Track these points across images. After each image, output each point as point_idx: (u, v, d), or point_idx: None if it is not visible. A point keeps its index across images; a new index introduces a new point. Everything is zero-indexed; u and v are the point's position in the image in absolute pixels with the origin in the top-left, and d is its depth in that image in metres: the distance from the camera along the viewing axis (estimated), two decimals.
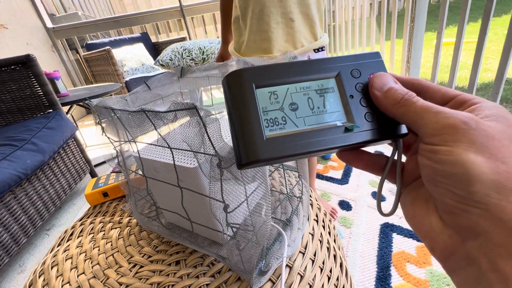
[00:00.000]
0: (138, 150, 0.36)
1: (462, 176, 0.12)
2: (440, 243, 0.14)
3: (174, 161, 0.31)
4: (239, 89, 0.17)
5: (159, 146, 0.34)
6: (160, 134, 0.29)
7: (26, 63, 1.14)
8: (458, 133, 0.13)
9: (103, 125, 0.37)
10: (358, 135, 0.17)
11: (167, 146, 0.30)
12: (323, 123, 0.17)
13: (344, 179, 1.13)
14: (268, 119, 0.17)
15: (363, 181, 1.10)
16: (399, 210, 0.80)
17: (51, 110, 1.23)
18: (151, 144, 0.35)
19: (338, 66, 0.18)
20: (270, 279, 0.32)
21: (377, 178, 1.10)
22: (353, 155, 0.19)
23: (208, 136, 0.25)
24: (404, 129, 0.17)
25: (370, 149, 0.21)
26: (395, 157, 0.19)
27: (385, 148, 1.24)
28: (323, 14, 0.71)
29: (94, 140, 2.01)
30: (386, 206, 0.95)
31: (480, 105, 0.15)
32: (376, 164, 0.20)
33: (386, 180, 0.20)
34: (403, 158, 0.19)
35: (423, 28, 1.57)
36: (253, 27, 0.68)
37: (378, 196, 0.20)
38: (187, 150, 0.28)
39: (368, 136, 0.17)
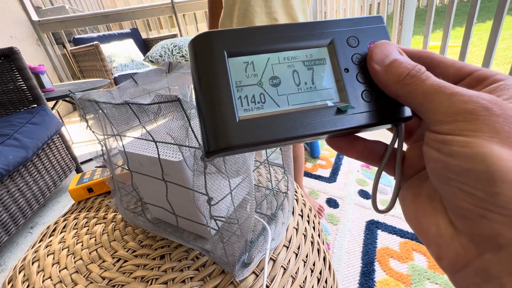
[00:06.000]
0: (123, 144, 0.35)
1: (482, 174, 0.10)
2: (449, 252, 0.12)
3: (159, 154, 0.31)
4: (207, 57, 0.13)
5: (144, 139, 0.34)
6: (144, 127, 0.29)
7: (9, 56, 1.10)
8: (477, 120, 0.10)
9: (88, 118, 0.37)
10: (352, 118, 0.14)
11: (152, 139, 0.30)
12: (310, 102, 0.14)
13: (332, 178, 1.15)
14: (243, 97, 0.14)
15: (350, 179, 1.12)
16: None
17: (36, 105, 1.19)
18: (136, 137, 0.35)
19: (331, 32, 0.15)
20: (253, 272, 0.33)
21: (364, 177, 1.13)
22: (346, 142, 0.16)
23: (191, 129, 0.25)
24: (408, 112, 0.15)
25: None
26: (395, 145, 0.16)
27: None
28: (308, 15, 0.73)
29: (81, 137, 1.96)
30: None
31: (504, 83, 0.12)
32: (373, 153, 0.17)
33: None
34: (404, 147, 0.16)
35: (410, 31, 1.61)
36: (239, 25, 0.69)
37: (373, 191, 0.17)
38: (172, 144, 0.28)
39: (364, 119, 0.14)
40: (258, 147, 0.14)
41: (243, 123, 0.13)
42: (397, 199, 0.16)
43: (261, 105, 0.14)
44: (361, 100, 0.14)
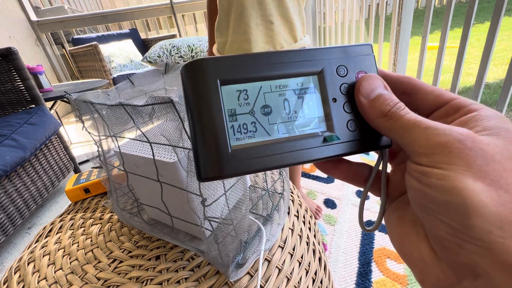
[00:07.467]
0: (118, 145, 0.35)
1: (458, 207, 0.10)
2: (431, 276, 0.12)
3: (153, 155, 0.31)
4: (200, 84, 0.13)
5: (139, 140, 0.34)
6: (139, 128, 0.29)
7: (7, 56, 1.10)
8: (451, 153, 0.11)
9: (84, 119, 0.37)
10: (337, 147, 0.15)
11: (147, 140, 0.30)
12: (299, 131, 0.15)
13: (330, 178, 1.15)
14: (235, 126, 0.14)
15: None
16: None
17: (34, 106, 1.19)
18: (131, 139, 0.35)
19: (322, 60, 0.15)
20: (248, 272, 0.33)
21: None
22: (331, 164, 0.17)
23: (185, 130, 0.25)
24: (387, 141, 0.16)
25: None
26: (380, 167, 0.17)
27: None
28: (304, 16, 0.73)
29: (79, 137, 1.96)
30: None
31: (478, 113, 0.13)
32: (357, 175, 0.17)
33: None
34: (388, 168, 0.17)
35: (409, 32, 1.61)
36: (235, 28, 0.69)
37: (359, 211, 0.18)
38: (166, 145, 0.29)
39: (348, 148, 0.15)
40: (249, 173, 0.14)
41: (235, 153, 0.13)
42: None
43: (253, 134, 0.14)
44: (346, 130, 0.15)
